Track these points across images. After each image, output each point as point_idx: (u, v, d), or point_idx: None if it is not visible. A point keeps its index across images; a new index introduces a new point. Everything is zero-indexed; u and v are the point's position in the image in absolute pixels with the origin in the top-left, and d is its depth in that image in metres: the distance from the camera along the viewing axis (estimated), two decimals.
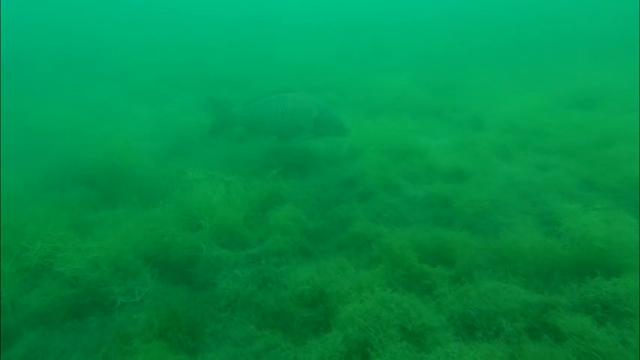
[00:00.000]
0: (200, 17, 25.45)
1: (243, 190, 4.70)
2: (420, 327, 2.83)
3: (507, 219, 4.26)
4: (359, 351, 2.74)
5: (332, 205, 4.98)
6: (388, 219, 4.60)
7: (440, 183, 5.28)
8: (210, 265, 3.74)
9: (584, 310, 2.85)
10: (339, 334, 2.83)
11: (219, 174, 4.78)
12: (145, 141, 7.21)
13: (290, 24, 21.44)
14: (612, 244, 3.12)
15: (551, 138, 6.34)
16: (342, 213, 4.70)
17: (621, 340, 2.53)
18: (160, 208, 4.43)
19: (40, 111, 8.93)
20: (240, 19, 23.93)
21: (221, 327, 3.12)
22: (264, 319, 3.19)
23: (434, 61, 12.92)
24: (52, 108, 9.00)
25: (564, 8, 15.14)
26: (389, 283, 3.39)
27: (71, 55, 15.21)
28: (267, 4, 28.20)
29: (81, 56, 15.02)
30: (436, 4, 21.74)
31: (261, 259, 3.87)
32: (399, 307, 2.95)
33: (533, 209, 4.45)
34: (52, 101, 9.72)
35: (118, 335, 2.99)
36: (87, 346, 3.01)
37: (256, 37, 18.80)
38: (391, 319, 2.85)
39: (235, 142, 7.15)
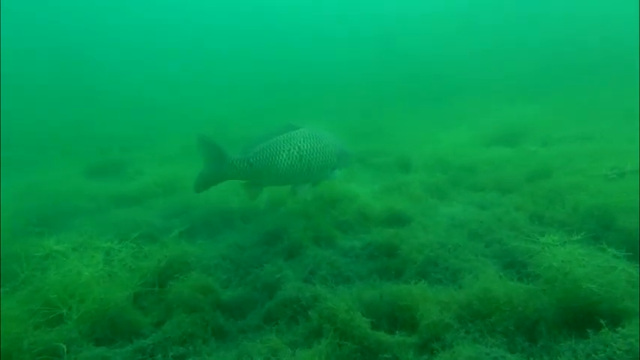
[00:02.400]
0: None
1: (133, 259, 3.65)
2: None
3: (464, 263, 3.71)
4: None
5: (252, 267, 4.12)
6: (325, 277, 3.83)
7: (378, 230, 4.68)
8: None
9: None
10: None
11: (95, 242, 3.68)
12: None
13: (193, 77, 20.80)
14: (603, 285, 2.62)
15: (483, 174, 6.17)
16: (266, 276, 3.85)
17: None
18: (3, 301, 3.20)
19: None
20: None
21: None
22: None
23: (355, 109, 12.96)
24: None
25: (478, 52, 16.43)
26: None
27: None
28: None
29: None
30: (348, 54, 22.72)
31: (156, 352, 2.84)
32: None
33: (489, 250, 3.98)
34: None
35: None
36: None
37: (159, 88, 17.75)
38: None
39: (128, 204, 6.05)
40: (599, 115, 8.57)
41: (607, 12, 15.82)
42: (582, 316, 2.70)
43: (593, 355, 2.31)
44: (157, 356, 2.79)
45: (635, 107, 8.35)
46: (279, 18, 33.70)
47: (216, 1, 38.10)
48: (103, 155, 8.64)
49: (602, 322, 2.47)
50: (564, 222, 4.24)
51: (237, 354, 2.81)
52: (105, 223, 5.00)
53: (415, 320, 2.97)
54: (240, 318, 3.40)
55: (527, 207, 4.75)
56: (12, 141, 10.47)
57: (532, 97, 11.16)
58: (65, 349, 2.64)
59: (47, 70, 20.57)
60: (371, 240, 4.53)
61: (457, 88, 13.12)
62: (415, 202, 5.53)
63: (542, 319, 2.76)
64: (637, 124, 7.61)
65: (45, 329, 2.86)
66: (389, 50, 19.09)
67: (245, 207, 5.68)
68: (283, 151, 4.58)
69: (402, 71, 16.45)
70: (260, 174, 4.57)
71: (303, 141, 4.68)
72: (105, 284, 3.20)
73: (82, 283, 3.09)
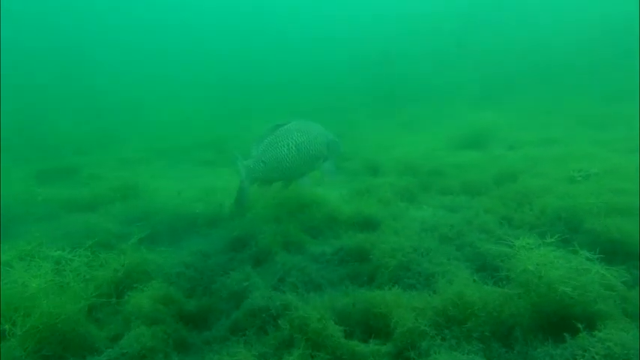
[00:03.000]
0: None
1: (87, 268, 3.39)
2: None
3: (437, 267, 3.66)
4: None
5: (218, 275, 3.94)
6: (295, 284, 3.70)
7: (349, 235, 4.58)
8: None
9: None
10: None
11: (44, 250, 3.40)
12: None
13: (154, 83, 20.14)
14: (577, 287, 2.61)
15: (451, 178, 6.20)
16: (233, 283, 3.68)
17: None
18: None
19: None
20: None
21: None
22: None
23: (319, 113, 12.81)
24: None
25: (442, 57, 16.67)
26: None
27: None
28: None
29: None
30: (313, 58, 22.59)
31: None
32: None
33: (461, 253, 3.95)
34: None
35: None
36: None
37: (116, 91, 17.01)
38: None
39: (83, 210, 5.71)
40: (560, 119, 8.84)
41: (570, 20, 16.47)
42: (557, 320, 2.68)
43: None
44: None
45: (595, 113, 8.69)
46: (254, 19, 33.29)
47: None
48: (57, 158, 8.18)
49: (579, 326, 2.45)
50: (533, 224, 4.28)
51: None
52: (57, 230, 4.67)
53: (389, 328, 2.88)
54: (204, 329, 3.22)
55: (496, 210, 4.77)
56: None
57: (495, 101, 11.44)
58: None
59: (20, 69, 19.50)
60: (341, 245, 4.44)
61: (421, 93, 13.29)
62: (385, 206, 5.48)
63: (517, 324, 2.72)
64: (595, 129, 7.92)
65: None
66: (354, 55, 19.08)
67: (210, 211, 5.47)
68: (283, 145, 4.76)
69: (365, 75, 16.49)
70: (272, 171, 4.81)
71: (297, 134, 4.84)
72: (55, 296, 2.94)
73: (29, 296, 2.82)
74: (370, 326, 3.01)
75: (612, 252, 3.38)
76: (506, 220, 4.55)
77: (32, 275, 2.96)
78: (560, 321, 2.66)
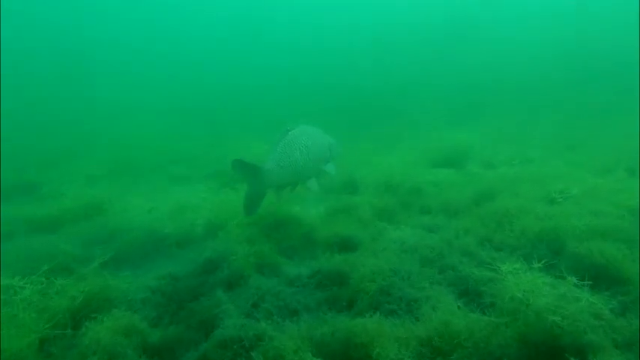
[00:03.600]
0: None
1: (40, 297, 3.10)
2: None
3: (419, 292, 3.52)
4: None
5: (187, 301, 3.70)
6: (270, 311, 3.50)
7: (326, 256, 4.40)
8: None
9: None
10: None
11: None
12: None
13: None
14: (566, 317, 2.50)
15: (429, 197, 6.11)
16: (203, 311, 3.45)
17: None
18: None
19: None
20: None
21: None
22: None
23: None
24: None
25: (415, 75, 16.77)
26: None
27: None
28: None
29: None
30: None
31: None
32: None
33: (443, 277, 3.82)
34: None
35: None
36: None
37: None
38: None
39: (42, 230, 5.36)
40: (534, 138, 8.95)
41: (539, 38, 16.93)
42: (546, 350, 2.56)
43: None
44: None
45: (566, 132, 8.85)
46: (233, 32, 33.01)
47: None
48: (16, 173, 7.71)
49: (570, 358, 2.33)
50: (514, 246, 4.20)
51: None
52: (11, 254, 4.32)
53: (371, 359, 2.70)
54: None
55: (476, 230, 4.68)
56: None
57: (469, 119, 11.55)
58: None
59: None
60: (319, 267, 4.27)
61: (396, 111, 13.31)
62: (364, 226, 5.34)
63: (505, 356, 2.59)
64: (568, 148, 8.03)
65: None
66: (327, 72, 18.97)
67: (181, 231, 5.21)
68: (296, 149, 4.92)
69: (339, 92, 16.38)
70: (289, 174, 4.91)
71: (306, 138, 5.03)
72: (3, 329, 2.65)
73: None
74: (350, 357, 2.83)
75: (596, 277, 3.30)
76: (487, 241, 4.46)
77: None
78: (550, 352, 2.54)
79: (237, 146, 9.52)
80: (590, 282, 2.78)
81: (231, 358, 2.86)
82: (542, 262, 3.08)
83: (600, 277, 3.32)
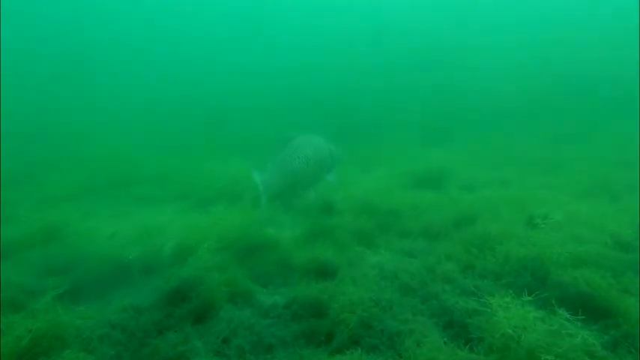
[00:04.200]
0: None
1: None
2: None
3: (402, 325, 3.34)
4: None
5: (150, 337, 3.41)
6: (242, 347, 3.27)
7: (303, 283, 4.19)
8: None
9: None
10: None
11: None
12: None
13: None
14: (560, 355, 2.35)
15: (409, 219, 5.97)
16: (168, 348, 3.19)
17: None
18: None
19: None
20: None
21: None
22: None
23: (264, 147, 12.21)
24: None
25: (390, 95, 16.82)
26: None
27: None
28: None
29: None
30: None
31: None
32: None
33: (426, 307, 3.65)
34: None
35: None
36: None
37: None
38: None
39: None
40: (510, 160, 9.00)
41: (514, 62, 17.36)
42: None
43: None
44: None
45: (541, 155, 8.94)
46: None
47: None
48: None
49: None
50: (498, 273, 4.07)
51: None
52: None
53: None
54: None
55: (457, 256, 4.55)
56: None
57: (445, 139, 11.60)
58: None
59: None
60: (295, 295, 4.05)
61: (371, 130, 13.25)
62: (341, 250, 5.14)
63: None
64: (544, 171, 8.08)
65: None
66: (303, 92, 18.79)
67: (147, 256, 4.89)
68: (295, 159, 5.03)
69: (313, 111, 16.19)
70: (287, 184, 5.04)
71: (307, 147, 5.13)
72: None
73: None
74: None
75: (583, 307, 3.19)
76: (469, 267, 4.33)
77: None
78: None
79: (212, 164, 9.20)
80: (582, 317, 2.65)
81: None
82: (533, 295, 2.95)
83: (587, 308, 3.21)
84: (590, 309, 3.20)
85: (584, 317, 2.99)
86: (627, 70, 13.76)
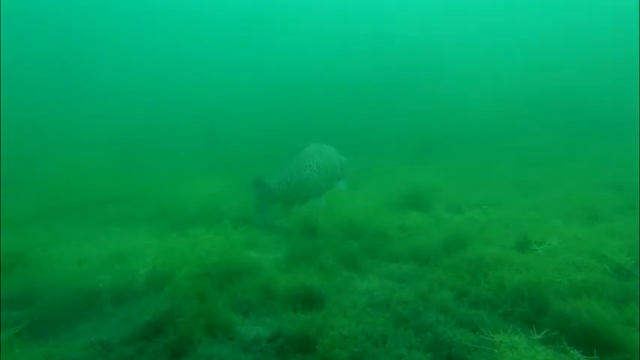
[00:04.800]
0: None
1: None
2: None
3: None
4: None
5: None
6: None
7: (288, 314, 3.93)
8: None
9: None
10: None
11: None
12: None
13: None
14: None
15: (397, 242, 5.79)
16: None
17: None
18: None
19: None
20: None
21: None
22: None
23: (245, 163, 11.86)
24: None
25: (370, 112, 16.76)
26: None
27: None
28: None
29: None
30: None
31: None
32: None
33: (421, 341, 3.44)
34: None
35: None
36: None
37: None
38: None
39: None
40: (491, 181, 8.95)
41: (497, 83, 17.62)
42: None
43: None
44: None
45: (521, 177, 8.94)
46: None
47: None
48: None
49: None
50: (494, 302, 3.89)
51: None
52: None
53: None
54: None
55: (450, 282, 4.36)
56: None
57: (430, 160, 11.54)
58: None
59: None
60: (280, 328, 3.79)
61: (355, 147, 13.07)
62: (328, 275, 4.91)
63: None
64: (526, 192, 8.05)
65: None
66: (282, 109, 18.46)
67: (118, 284, 4.54)
68: (306, 167, 5.24)
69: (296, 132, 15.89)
70: (295, 191, 5.23)
71: (317, 156, 5.33)
72: None
73: None
74: None
75: (586, 341, 3.03)
76: (463, 295, 4.15)
77: None
78: None
79: (193, 182, 8.85)
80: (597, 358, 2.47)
81: None
82: (532, 325, 2.77)
83: (592, 342, 3.05)
84: (596, 343, 3.04)
85: (587, 350, 2.83)
86: (607, 95, 14.16)
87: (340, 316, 3.78)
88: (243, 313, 4.26)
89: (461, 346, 3.17)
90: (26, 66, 26.28)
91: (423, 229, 6.07)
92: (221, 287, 4.66)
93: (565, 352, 2.55)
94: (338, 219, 6.66)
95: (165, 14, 38.17)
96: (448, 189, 8.02)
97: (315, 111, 16.92)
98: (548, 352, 2.52)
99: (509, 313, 3.65)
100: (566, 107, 13.99)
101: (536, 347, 2.51)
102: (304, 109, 17.26)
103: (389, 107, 16.78)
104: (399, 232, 6.10)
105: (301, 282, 4.55)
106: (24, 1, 30.47)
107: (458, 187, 8.17)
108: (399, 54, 22.71)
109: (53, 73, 24.30)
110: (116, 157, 11.99)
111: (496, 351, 2.57)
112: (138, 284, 4.54)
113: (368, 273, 5.12)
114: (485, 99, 16.06)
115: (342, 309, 3.94)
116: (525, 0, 30.56)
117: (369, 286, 4.74)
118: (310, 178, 5.25)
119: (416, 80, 19.24)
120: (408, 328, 3.63)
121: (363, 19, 32.05)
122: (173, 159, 12.48)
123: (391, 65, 21.35)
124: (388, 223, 6.33)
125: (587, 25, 23.24)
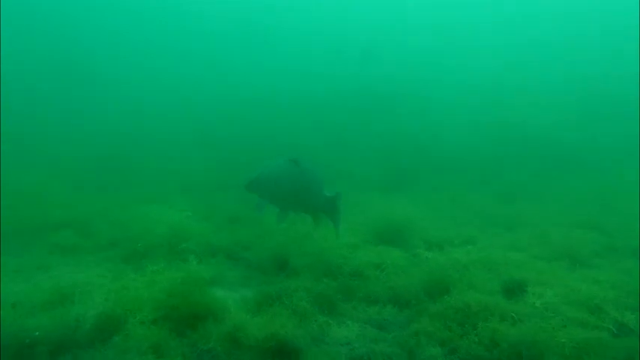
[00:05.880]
0: None
1: None
2: None
3: None
4: None
5: None
6: None
7: None
8: None
9: None
10: None
11: None
12: None
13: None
14: None
15: (375, 282, 5.44)
16: None
17: None
18: None
19: None
20: None
21: None
22: None
23: (210, 192, 11.16)
24: None
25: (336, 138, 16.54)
26: None
27: None
28: None
29: None
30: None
31: None
32: None
33: None
34: None
35: None
36: None
37: None
38: None
39: None
40: (467, 215, 8.83)
41: (471, 114, 17.90)
42: None
43: None
44: None
45: (496, 211, 8.88)
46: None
47: None
48: None
49: None
50: None
51: None
52: None
53: None
54: None
55: (437, 334, 4.03)
56: None
57: (401, 186, 11.38)
58: None
59: None
60: None
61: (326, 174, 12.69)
62: (302, 321, 4.50)
63: None
64: (502, 229, 7.94)
65: None
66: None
67: (59, 331, 3.91)
68: (286, 170, 5.62)
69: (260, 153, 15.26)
70: (267, 191, 5.74)
71: (297, 173, 5.58)
72: None
73: None
74: None
75: None
76: (452, 350, 3.81)
77: None
78: None
79: (152, 207, 8.09)
80: None
81: None
82: None
83: None
84: None
85: None
86: (579, 131, 14.70)
87: None
88: None
89: None
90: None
91: (402, 268, 5.75)
92: (181, 335, 4.16)
93: None
94: (311, 255, 6.24)
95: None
96: (423, 222, 7.78)
97: (279, 130, 16.37)
98: None
99: None
100: (537, 142, 14.30)
101: None
102: (266, 128, 16.70)
103: (364, 128, 16.62)
104: (376, 270, 5.74)
105: (273, 332, 4.10)
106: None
107: (433, 220, 7.97)
108: (379, 78, 22.83)
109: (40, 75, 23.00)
110: (68, 176, 11.01)
111: None
112: (82, 332, 3.93)
113: (345, 317, 4.72)
114: (461, 128, 16.25)
115: None
116: (506, 35, 31.73)
117: (347, 334, 4.33)
118: (284, 188, 5.58)
119: (394, 103, 19.31)
120: None
121: (347, 41, 32.15)
122: (133, 179, 11.66)
123: (371, 86, 21.39)
124: (364, 261, 5.96)
125: (563, 61, 24.32)
